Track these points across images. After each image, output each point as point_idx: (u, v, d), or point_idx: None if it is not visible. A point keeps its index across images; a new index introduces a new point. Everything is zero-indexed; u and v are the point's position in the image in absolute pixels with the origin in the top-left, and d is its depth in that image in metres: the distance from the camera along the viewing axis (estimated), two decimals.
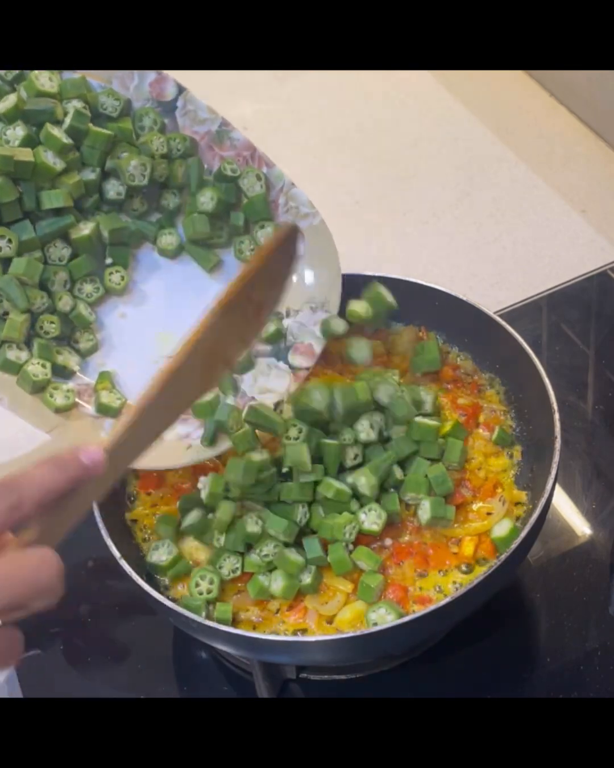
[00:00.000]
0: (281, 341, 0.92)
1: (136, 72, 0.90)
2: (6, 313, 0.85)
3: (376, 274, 0.97)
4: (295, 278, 0.92)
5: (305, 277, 0.93)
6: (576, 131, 1.36)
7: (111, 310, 0.91)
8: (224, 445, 0.87)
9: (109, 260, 0.91)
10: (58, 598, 0.57)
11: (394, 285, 0.96)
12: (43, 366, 0.85)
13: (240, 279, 0.72)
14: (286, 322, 0.93)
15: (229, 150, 0.93)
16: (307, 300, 0.93)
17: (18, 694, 0.91)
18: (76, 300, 0.88)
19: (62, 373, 0.87)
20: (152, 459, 0.80)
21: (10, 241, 0.84)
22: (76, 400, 0.86)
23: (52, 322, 0.87)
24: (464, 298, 0.94)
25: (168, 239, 0.92)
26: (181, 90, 0.91)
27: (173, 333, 0.89)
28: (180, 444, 0.87)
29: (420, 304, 0.96)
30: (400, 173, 1.34)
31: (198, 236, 0.92)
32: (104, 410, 0.87)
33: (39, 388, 0.85)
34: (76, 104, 0.87)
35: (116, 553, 0.80)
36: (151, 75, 0.90)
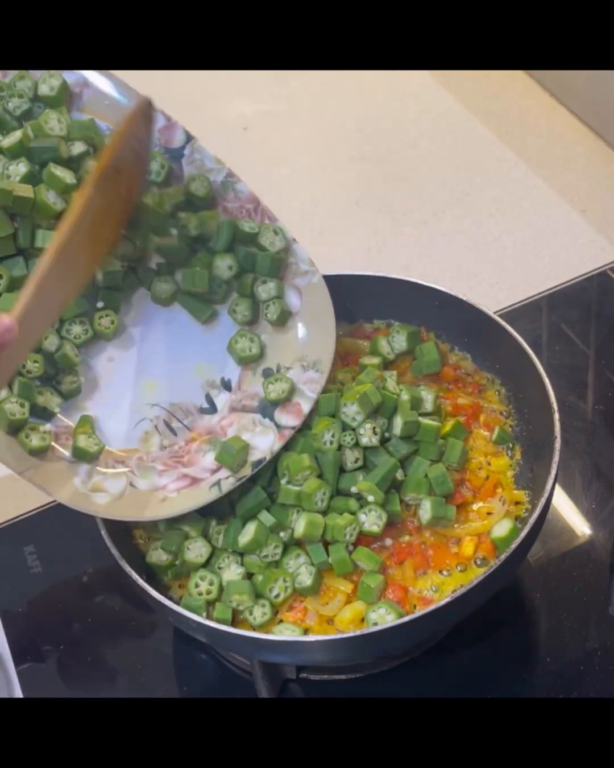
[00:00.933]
0: (266, 399, 0.89)
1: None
2: None
3: (376, 274, 0.98)
4: (288, 334, 0.91)
5: (299, 332, 0.92)
6: (576, 131, 1.36)
7: (98, 353, 0.89)
8: (205, 498, 0.85)
9: (100, 304, 0.88)
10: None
11: (394, 285, 0.97)
12: (22, 405, 0.82)
13: (105, 154, 0.79)
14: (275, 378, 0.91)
15: (233, 201, 0.92)
16: (298, 358, 0.91)
17: (18, 694, 0.91)
18: (62, 340, 0.86)
19: (42, 413, 0.84)
20: (125, 508, 0.83)
21: (1, 276, 0.82)
22: (52, 442, 0.84)
23: (35, 362, 0.84)
24: (464, 298, 0.94)
25: (163, 287, 0.90)
26: (189, 138, 0.90)
27: (160, 382, 0.89)
28: (155, 495, 0.85)
29: (420, 304, 0.96)
30: (400, 173, 1.34)
31: (196, 291, 0.90)
32: (80, 455, 0.84)
33: (15, 428, 0.82)
34: (80, 147, 0.86)
35: (116, 553, 0.80)
36: (161, 120, 0.89)
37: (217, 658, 0.93)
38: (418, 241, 1.26)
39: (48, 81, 0.88)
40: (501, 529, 0.84)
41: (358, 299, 0.98)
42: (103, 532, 0.82)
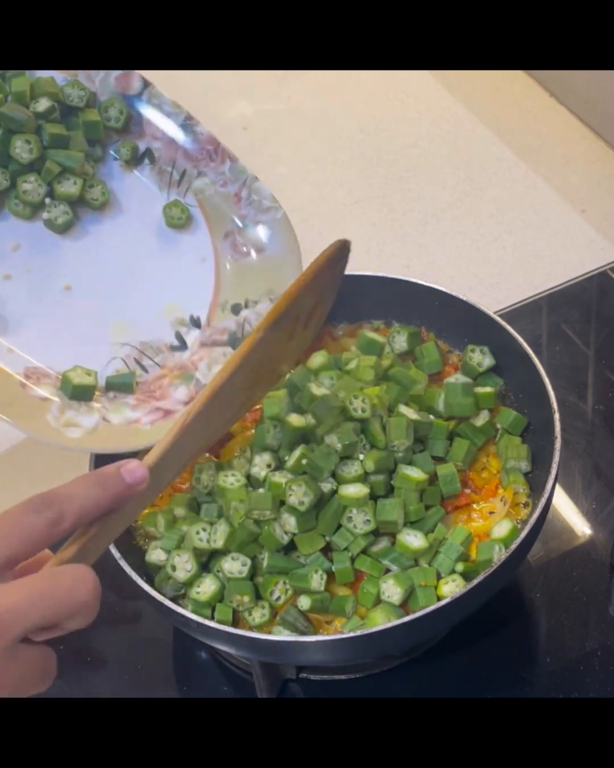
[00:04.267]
0: (238, 331, 0.91)
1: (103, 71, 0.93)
2: None
3: (376, 274, 0.98)
4: (254, 269, 0.93)
5: (265, 267, 0.94)
6: (576, 131, 1.36)
7: (61, 290, 0.91)
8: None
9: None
10: (93, 618, 0.55)
11: (394, 285, 0.97)
12: None
13: (287, 295, 0.71)
14: (244, 313, 0.92)
15: (192, 144, 0.94)
16: (266, 291, 0.92)
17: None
18: None
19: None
20: (98, 440, 0.83)
21: None
22: (22, 380, 0.85)
23: None
24: (464, 298, 0.94)
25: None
26: (146, 85, 0.93)
27: (129, 321, 0.90)
28: (129, 428, 0.86)
29: (420, 304, 0.96)
30: (400, 173, 1.33)
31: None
32: (79, 391, 0.85)
33: None
34: (45, 103, 0.90)
35: (116, 553, 0.80)
36: (117, 72, 0.93)
37: (217, 658, 0.93)
38: (418, 241, 1.26)
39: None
40: (501, 529, 0.84)
41: (358, 299, 0.98)
42: None
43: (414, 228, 1.27)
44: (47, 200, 0.91)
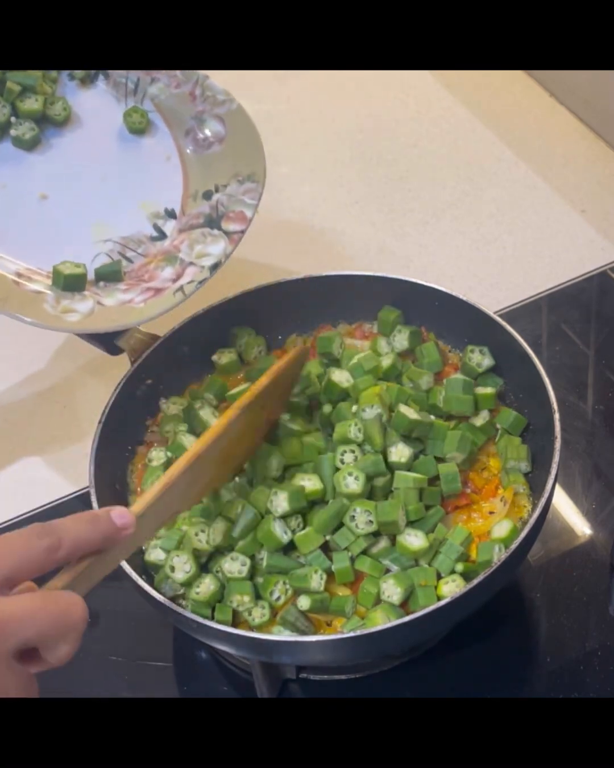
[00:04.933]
0: (213, 213, 0.96)
1: None
2: None
3: (376, 274, 0.98)
4: (219, 157, 0.99)
5: (228, 153, 0.99)
6: (576, 131, 1.36)
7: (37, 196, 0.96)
8: (171, 302, 0.92)
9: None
10: (76, 648, 0.59)
11: (394, 285, 0.97)
12: None
13: (259, 384, 0.83)
14: (216, 197, 0.97)
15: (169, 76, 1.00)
16: (233, 175, 0.98)
17: None
18: None
19: None
20: (96, 322, 0.90)
21: None
22: (15, 279, 0.90)
23: None
24: (464, 298, 0.94)
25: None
26: None
27: (108, 220, 0.96)
28: (123, 307, 0.92)
29: (420, 304, 0.96)
30: (400, 173, 1.33)
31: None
32: (71, 282, 0.90)
33: None
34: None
35: None
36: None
37: (217, 658, 0.93)
38: (418, 241, 1.26)
39: None
40: (501, 529, 0.84)
41: (358, 299, 0.98)
42: None
43: (414, 228, 1.27)
44: (12, 119, 0.96)
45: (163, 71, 0.99)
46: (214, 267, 0.94)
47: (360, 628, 0.79)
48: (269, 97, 1.46)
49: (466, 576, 0.81)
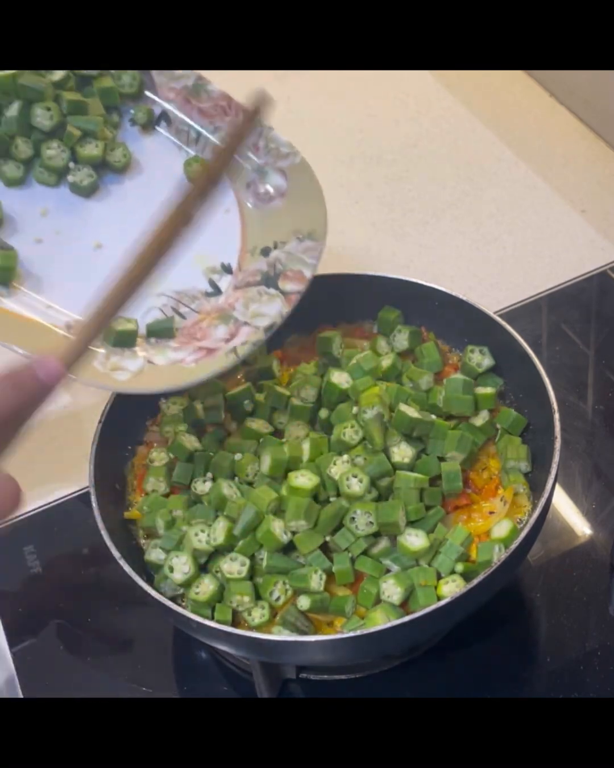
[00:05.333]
0: (270, 270, 0.93)
1: None
2: None
3: (376, 274, 0.98)
4: (279, 213, 0.96)
5: (289, 209, 0.95)
6: (576, 131, 1.36)
7: (92, 247, 0.93)
8: (224, 364, 0.88)
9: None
10: (12, 514, 0.57)
11: (394, 285, 0.97)
12: None
13: (217, 160, 0.79)
14: (274, 254, 0.94)
15: (205, 102, 0.97)
16: (293, 232, 0.94)
17: (18, 694, 0.91)
18: None
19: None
20: (145, 381, 0.86)
21: None
22: (65, 334, 0.88)
23: None
24: (464, 298, 0.94)
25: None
26: None
27: (161, 274, 0.90)
28: (174, 367, 0.88)
29: (420, 304, 0.96)
30: (400, 173, 1.33)
31: None
32: (122, 339, 0.88)
33: None
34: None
35: (116, 554, 0.80)
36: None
37: (217, 658, 0.93)
38: (418, 241, 1.26)
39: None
40: (501, 529, 0.84)
41: (358, 299, 0.98)
42: (103, 532, 0.82)
43: (414, 228, 1.27)
44: (71, 164, 0.94)
45: (226, 119, 0.96)
46: (269, 328, 0.89)
47: (360, 628, 0.79)
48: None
49: (466, 576, 0.81)
